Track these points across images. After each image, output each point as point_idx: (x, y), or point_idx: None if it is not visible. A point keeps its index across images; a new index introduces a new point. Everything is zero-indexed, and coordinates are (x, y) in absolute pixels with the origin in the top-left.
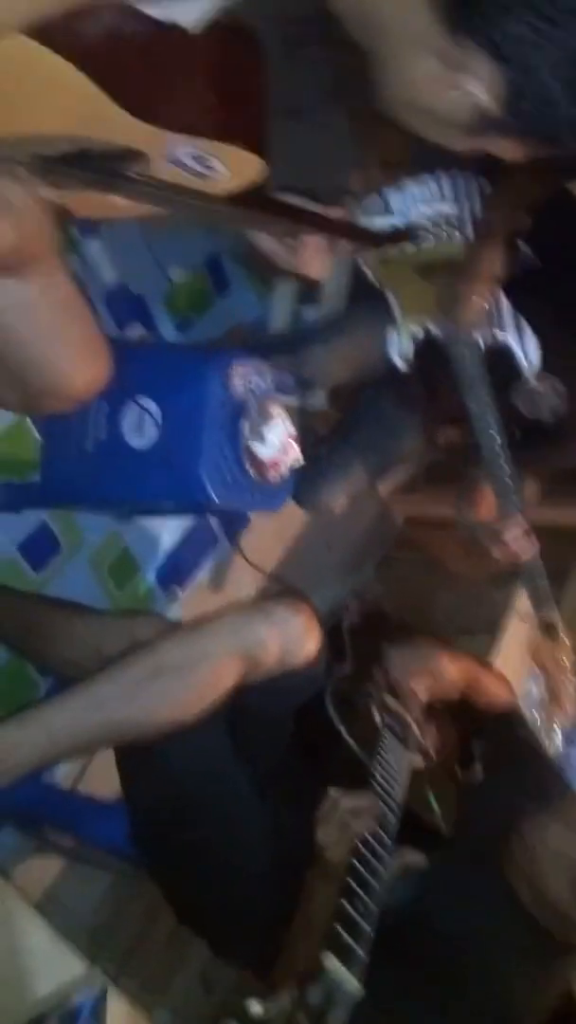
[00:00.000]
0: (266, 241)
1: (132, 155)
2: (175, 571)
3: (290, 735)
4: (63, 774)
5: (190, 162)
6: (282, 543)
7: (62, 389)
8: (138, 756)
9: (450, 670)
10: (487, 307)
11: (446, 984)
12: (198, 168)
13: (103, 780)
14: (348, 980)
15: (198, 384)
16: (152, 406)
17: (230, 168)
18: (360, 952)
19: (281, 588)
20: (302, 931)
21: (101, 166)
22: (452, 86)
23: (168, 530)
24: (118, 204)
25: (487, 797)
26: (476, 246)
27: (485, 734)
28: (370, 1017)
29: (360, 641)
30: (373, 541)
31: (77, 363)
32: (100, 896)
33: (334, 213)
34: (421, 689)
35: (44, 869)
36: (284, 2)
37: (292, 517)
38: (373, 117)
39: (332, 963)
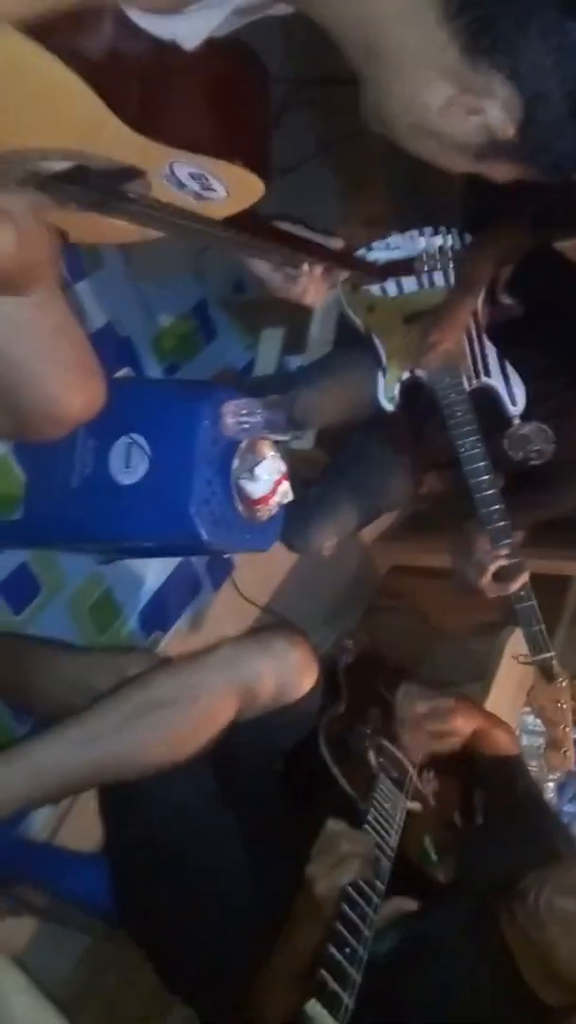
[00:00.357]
0: (263, 268)
1: (131, 173)
2: (158, 616)
3: (279, 777)
4: (39, 826)
5: (189, 182)
6: (265, 591)
7: (55, 412)
8: (123, 801)
9: (463, 724)
10: (460, 353)
11: None
12: (197, 188)
13: (81, 833)
14: None
15: (189, 420)
16: (141, 441)
17: (230, 189)
18: (346, 999)
19: (277, 621)
20: (284, 963)
21: (99, 184)
22: (470, 109)
23: (151, 573)
24: (113, 227)
25: (487, 849)
26: (454, 295)
27: (486, 783)
28: None
29: (355, 681)
30: (356, 589)
31: (71, 386)
32: (75, 959)
33: (333, 243)
34: (428, 738)
35: (15, 931)
36: (272, 65)
37: (275, 565)
38: (356, 176)
39: (316, 1009)
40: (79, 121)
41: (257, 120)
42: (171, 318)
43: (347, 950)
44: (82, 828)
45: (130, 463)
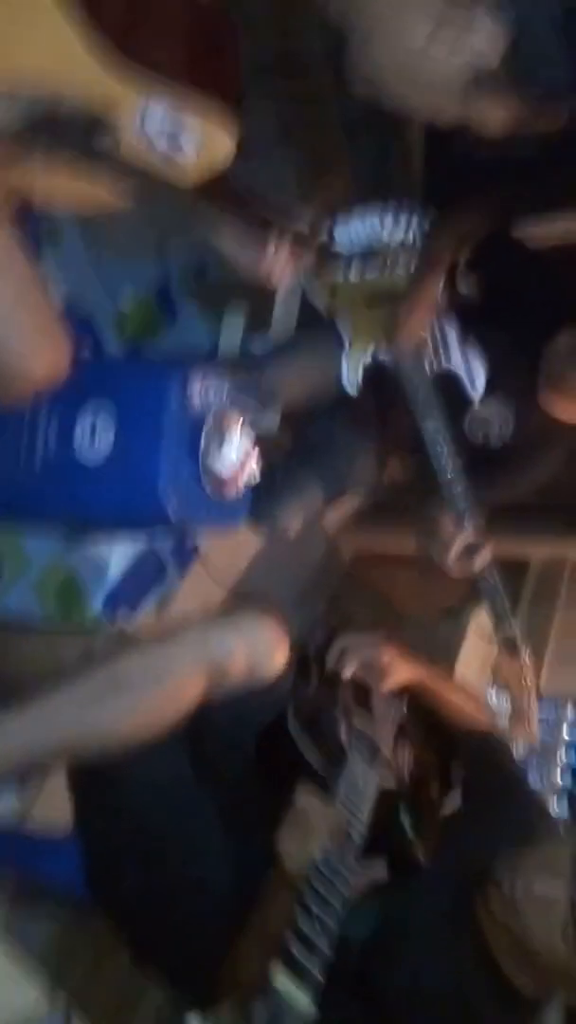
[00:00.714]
0: (230, 246)
1: (101, 124)
2: (123, 599)
3: (251, 759)
4: (8, 807)
5: (159, 137)
6: (230, 578)
7: (21, 372)
8: (93, 783)
9: (391, 660)
10: (427, 334)
11: None
12: (166, 147)
13: (50, 816)
14: (298, 998)
15: (157, 396)
16: (106, 418)
17: (199, 144)
18: (313, 970)
19: (245, 598)
20: (255, 938)
21: (69, 132)
22: (452, 42)
23: (116, 558)
24: (79, 188)
25: (466, 832)
26: (417, 276)
27: (464, 760)
28: None
29: (325, 664)
30: (321, 577)
31: (36, 345)
32: (42, 948)
33: (299, 227)
34: (353, 668)
35: None
36: None
37: (240, 552)
38: (316, 162)
39: (282, 979)
40: (56, 45)
41: (227, 57)
42: (133, 299)
43: (316, 924)
44: (51, 811)
45: (95, 440)
